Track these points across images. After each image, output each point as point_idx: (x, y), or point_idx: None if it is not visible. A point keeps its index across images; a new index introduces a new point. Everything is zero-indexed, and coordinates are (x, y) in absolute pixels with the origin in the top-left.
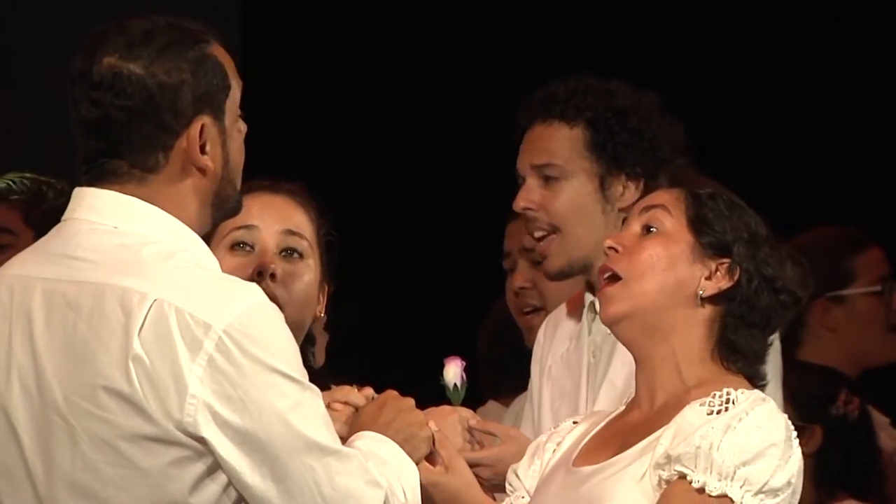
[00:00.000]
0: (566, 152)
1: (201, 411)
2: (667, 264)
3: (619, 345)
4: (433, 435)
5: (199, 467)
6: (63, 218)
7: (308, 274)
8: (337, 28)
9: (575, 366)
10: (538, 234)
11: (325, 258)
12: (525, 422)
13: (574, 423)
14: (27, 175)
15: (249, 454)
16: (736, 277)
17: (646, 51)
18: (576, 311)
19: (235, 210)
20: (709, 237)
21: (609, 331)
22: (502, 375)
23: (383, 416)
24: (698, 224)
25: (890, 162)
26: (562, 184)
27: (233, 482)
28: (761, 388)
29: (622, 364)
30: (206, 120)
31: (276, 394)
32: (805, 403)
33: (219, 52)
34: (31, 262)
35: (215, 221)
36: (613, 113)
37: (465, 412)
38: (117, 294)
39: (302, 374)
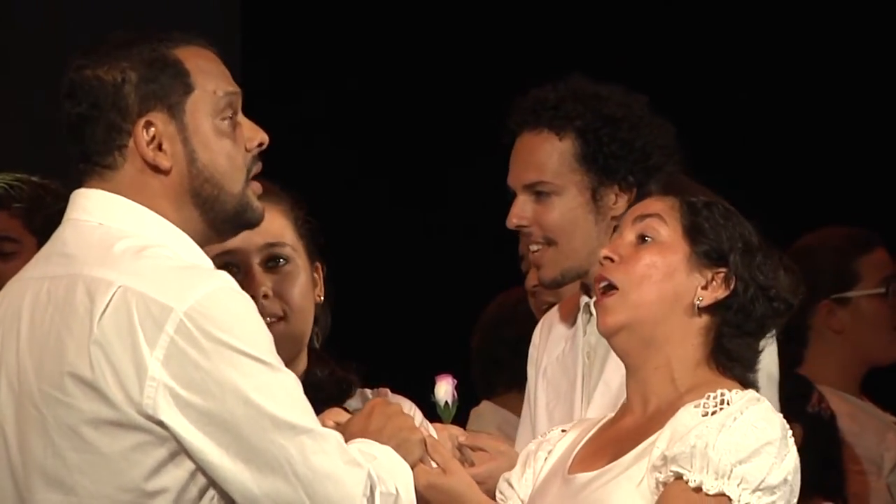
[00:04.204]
0: (556, 167)
1: (161, 394)
2: (664, 274)
3: None
4: (426, 439)
5: (161, 453)
6: (62, 220)
7: (298, 274)
8: (336, 27)
9: (570, 367)
10: (534, 248)
11: (310, 243)
12: (523, 423)
13: (563, 430)
14: (21, 177)
15: (215, 436)
16: (732, 287)
17: (645, 52)
18: (571, 313)
19: (245, 216)
20: (705, 246)
21: None
22: (497, 373)
23: (373, 424)
24: (694, 233)
25: (894, 161)
26: (553, 199)
27: (202, 465)
28: (755, 390)
29: (617, 366)
30: (156, 117)
31: (238, 374)
32: (782, 404)
33: (184, 54)
34: (31, 265)
35: (218, 227)
36: (603, 123)
37: (455, 429)
38: (87, 283)
39: (272, 357)
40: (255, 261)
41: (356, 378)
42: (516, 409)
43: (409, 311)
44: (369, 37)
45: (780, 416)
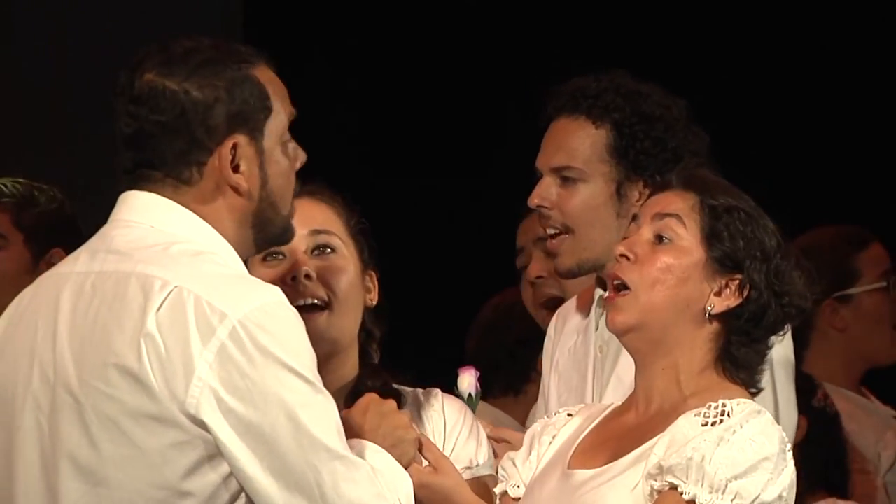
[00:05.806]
0: (587, 154)
1: (205, 395)
2: (678, 279)
3: None
4: (419, 438)
5: (198, 453)
6: (109, 220)
7: (346, 267)
8: (338, 27)
9: (581, 360)
10: (551, 231)
11: (363, 247)
12: (539, 416)
13: (569, 415)
14: (20, 180)
15: (252, 446)
16: (746, 295)
17: (650, 50)
18: (585, 306)
19: (284, 236)
20: (721, 253)
21: None
22: (492, 376)
23: (368, 423)
24: (712, 238)
25: (887, 158)
26: (579, 186)
27: (234, 472)
28: (758, 393)
29: (631, 361)
30: (239, 139)
31: (285, 389)
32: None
33: (263, 75)
34: (70, 261)
35: (259, 245)
36: (640, 118)
37: (480, 422)
38: (141, 280)
39: (316, 378)
40: (301, 248)
41: (407, 390)
42: (511, 413)
43: (424, 309)
44: (372, 37)
45: (780, 429)
